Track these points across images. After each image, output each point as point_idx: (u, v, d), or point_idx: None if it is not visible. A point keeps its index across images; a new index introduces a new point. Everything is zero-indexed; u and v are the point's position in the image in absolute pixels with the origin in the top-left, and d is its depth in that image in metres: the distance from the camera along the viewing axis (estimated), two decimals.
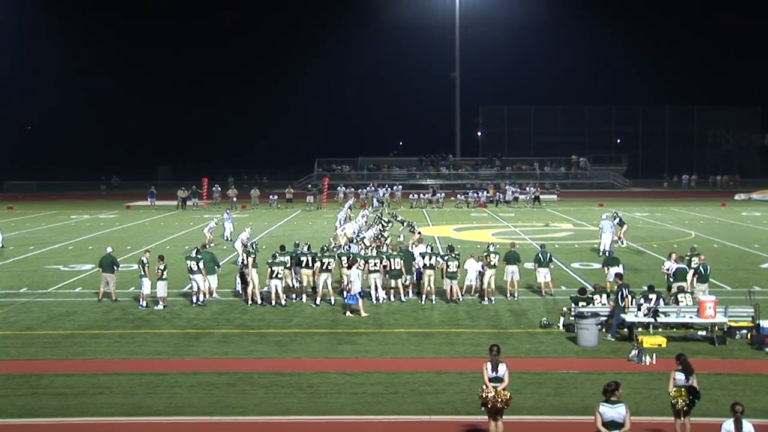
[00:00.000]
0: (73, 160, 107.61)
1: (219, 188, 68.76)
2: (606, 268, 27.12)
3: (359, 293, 24.02)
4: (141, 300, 25.36)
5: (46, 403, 16.39)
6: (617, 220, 39.33)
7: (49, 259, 35.82)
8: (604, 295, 23.02)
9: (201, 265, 25.49)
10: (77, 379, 17.92)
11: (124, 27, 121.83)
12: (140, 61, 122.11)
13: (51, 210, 62.56)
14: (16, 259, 36.20)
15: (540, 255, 27.02)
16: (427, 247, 27.86)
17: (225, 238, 41.29)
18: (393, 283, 26.08)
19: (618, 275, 23.70)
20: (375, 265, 25.70)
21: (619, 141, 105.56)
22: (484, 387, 14.26)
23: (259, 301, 25.35)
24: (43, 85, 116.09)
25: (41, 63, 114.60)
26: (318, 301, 25.32)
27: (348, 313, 23.85)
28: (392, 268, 25.93)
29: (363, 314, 23.74)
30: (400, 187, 72.22)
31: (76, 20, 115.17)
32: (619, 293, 21.70)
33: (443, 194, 69.23)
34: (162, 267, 25.20)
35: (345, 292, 24.55)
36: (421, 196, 67.62)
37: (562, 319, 22.28)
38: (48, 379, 17.89)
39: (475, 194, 68.79)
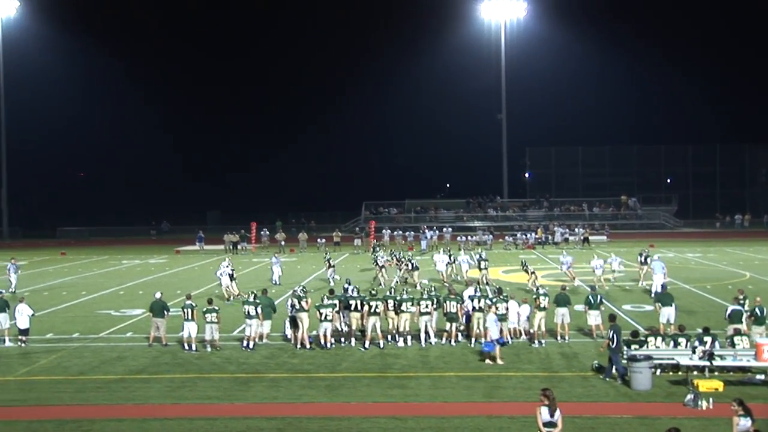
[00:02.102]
0: (124, 206, 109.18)
1: (267, 232, 69.17)
2: (657, 305, 26.79)
3: (497, 340, 23.56)
4: (185, 344, 25.46)
5: None
6: (642, 257, 39.75)
7: (101, 305, 36.18)
8: (659, 338, 22.63)
9: (259, 309, 25.59)
10: (128, 424, 17.97)
11: (175, 75, 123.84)
12: (190, 109, 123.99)
13: (102, 255, 63.35)
14: (68, 304, 36.63)
15: (591, 297, 26.70)
16: (476, 290, 27.68)
17: (273, 282, 41.59)
18: (448, 326, 25.91)
19: (611, 316, 23.26)
20: (426, 307, 25.60)
21: (669, 181, 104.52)
22: None
23: (308, 345, 25.32)
24: (96, 133, 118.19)
25: (95, 111, 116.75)
26: (367, 345, 25.23)
27: (488, 360, 23.11)
28: (448, 311, 25.79)
29: (499, 362, 23.03)
30: (450, 229, 72.10)
31: (128, 69, 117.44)
32: (612, 335, 21.36)
33: (491, 236, 68.94)
34: (205, 310, 25.34)
35: (483, 339, 23.92)
36: (469, 238, 67.37)
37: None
38: (100, 424, 17.97)
39: (524, 236, 68.41)
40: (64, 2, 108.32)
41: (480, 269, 40.23)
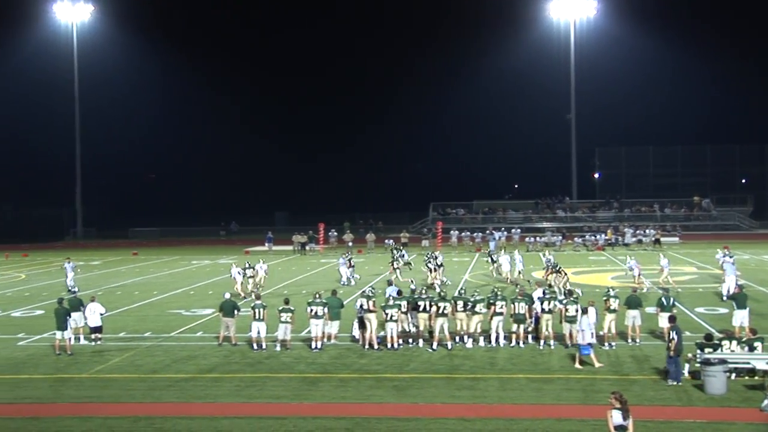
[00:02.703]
0: (193, 206, 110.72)
1: (335, 233, 69.52)
2: (733, 303, 26.27)
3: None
4: (254, 344, 25.69)
5: None
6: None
7: (172, 304, 36.73)
8: (734, 342, 22.14)
9: (326, 310, 25.73)
10: (199, 422, 18.19)
11: (243, 78, 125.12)
12: (260, 111, 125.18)
13: (173, 256, 64.30)
14: (140, 303, 37.26)
15: (663, 299, 26.23)
16: (544, 291, 27.41)
17: (342, 283, 41.85)
18: (515, 327, 25.74)
19: (670, 318, 22.78)
20: (501, 308, 25.50)
21: (744, 181, 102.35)
22: None
23: (376, 346, 25.37)
24: (165, 135, 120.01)
25: (164, 114, 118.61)
26: (435, 346, 25.18)
27: (577, 365, 22.77)
28: (516, 312, 25.63)
29: (597, 365, 22.67)
30: (519, 230, 71.63)
31: (198, 73, 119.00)
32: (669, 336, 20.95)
33: (561, 237, 68.32)
34: (280, 309, 25.56)
35: (579, 341, 23.34)
36: (538, 239, 66.86)
37: (687, 365, 21.52)
38: (172, 421, 18.22)
39: (593, 237, 67.63)
40: (137, 7, 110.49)
41: (555, 272, 39.23)
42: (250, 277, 39.38)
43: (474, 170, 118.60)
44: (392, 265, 42.80)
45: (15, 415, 18.87)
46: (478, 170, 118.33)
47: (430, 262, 41.16)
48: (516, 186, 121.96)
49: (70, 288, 40.59)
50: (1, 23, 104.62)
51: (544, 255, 43.54)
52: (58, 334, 25.42)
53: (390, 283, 30.14)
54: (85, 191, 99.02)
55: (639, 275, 38.94)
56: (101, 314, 27.20)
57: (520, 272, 42.19)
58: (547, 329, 25.48)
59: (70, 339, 25.62)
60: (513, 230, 70.80)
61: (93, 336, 26.96)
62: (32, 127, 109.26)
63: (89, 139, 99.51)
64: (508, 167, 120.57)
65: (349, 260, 44.12)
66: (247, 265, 40.12)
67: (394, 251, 46.05)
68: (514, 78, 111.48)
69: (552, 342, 25.43)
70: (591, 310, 25.58)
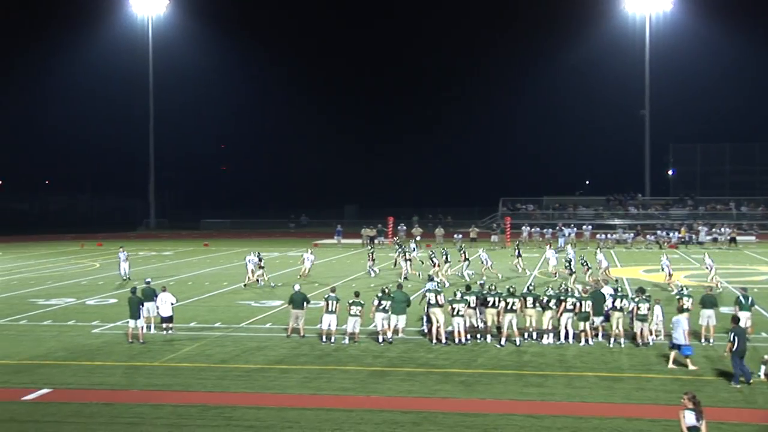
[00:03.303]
0: (264, 199, 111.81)
1: (404, 227, 69.53)
2: None
3: (674, 343, 22.62)
4: (324, 336, 25.81)
5: None
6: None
7: (242, 295, 37.11)
8: None
9: (390, 303, 25.74)
10: (267, 412, 18.33)
11: (316, 72, 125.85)
12: (328, 105, 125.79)
13: (243, 247, 64.90)
14: (211, 294, 37.73)
15: (742, 298, 25.63)
16: (616, 289, 27.01)
17: (403, 277, 41.95)
18: (582, 325, 25.45)
19: (733, 318, 22.14)
20: (571, 305, 25.24)
21: None
22: None
23: (444, 341, 25.31)
24: (238, 127, 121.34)
25: (237, 106, 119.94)
26: (503, 342, 25.03)
27: (671, 364, 22.28)
28: (582, 310, 25.34)
29: (691, 367, 22.14)
30: (590, 227, 70.77)
31: (271, 66, 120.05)
32: (733, 338, 20.34)
33: (632, 235, 67.35)
34: (350, 302, 25.66)
35: (676, 340, 22.90)
36: (609, 236, 66.03)
37: (763, 367, 21.00)
38: (240, 411, 18.39)
39: (666, 235, 66.52)
40: (212, 0, 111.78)
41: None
42: (261, 267, 40.68)
43: (545, 166, 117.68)
44: (398, 257, 44.16)
45: (90, 400, 19.25)
46: (549, 166, 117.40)
47: (434, 256, 41.46)
48: (587, 182, 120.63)
49: (123, 276, 41.82)
50: (79, 17, 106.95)
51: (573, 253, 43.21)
52: (131, 323, 25.88)
53: (431, 278, 30.12)
54: (158, 183, 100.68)
55: (713, 274, 38.24)
56: (172, 304, 27.58)
57: (554, 266, 42.41)
58: (617, 327, 25.14)
59: (142, 328, 26.07)
60: (584, 227, 70.00)
61: (164, 325, 27.35)
62: (108, 120, 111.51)
63: (163, 131, 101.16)
64: (579, 163, 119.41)
65: (371, 254, 44.58)
66: (260, 256, 41.67)
67: (399, 246, 47.71)
68: (588, 73, 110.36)
69: (623, 340, 25.07)
70: (657, 309, 25.21)
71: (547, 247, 43.35)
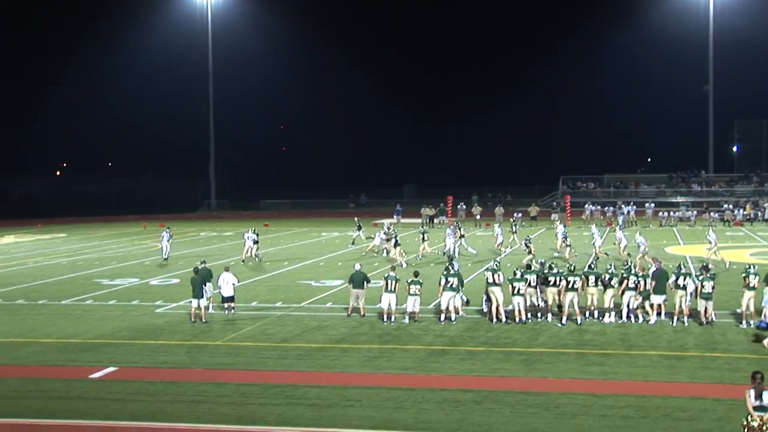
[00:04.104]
0: (324, 179, 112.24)
1: (464, 206, 69.26)
2: None
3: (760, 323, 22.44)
4: (384, 316, 25.85)
5: (301, 413, 16.90)
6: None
7: (302, 275, 37.34)
8: None
9: (455, 281, 25.67)
10: (329, 391, 18.42)
11: (375, 52, 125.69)
12: (388, 85, 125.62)
13: (303, 227, 65.39)
14: (271, 274, 38.04)
15: None
16: (679, 267, 26.59)
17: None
18: (645, 304, 25.12)
19: None
20: (633, 283, 24.95)
21: None
22: (749, 416, 13.38)
23: (504, 319, 25.20)
24: (297, 108, 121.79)
25: (297, 87, 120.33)
26: (564, 321, 24.84)
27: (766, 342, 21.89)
28: (644, 288, 25.02)
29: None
30: (652, 205, 69.72)
31: (330, 46, 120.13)
32: None
33: (695, 212, 66.27)
34: (410, 281, 25.65)
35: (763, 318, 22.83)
36: (671, 214, 65.06)
37: None
38: (302, 390, 18.51)
39: (731, 212, 65.30)
40: None
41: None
42: (255, 242, 42.35)
43: (606, 143, 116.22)
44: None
45: (154, 378, 19.55)
46: (610, 143, 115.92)
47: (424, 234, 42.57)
48: (649, 159, 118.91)
49: (164, 256, 43.00)
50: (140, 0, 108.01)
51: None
52: (194, 303, 26.18)
53: (451, 259, 29.91)
54: (218, 164, 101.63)
55: None
56: (234, 284, 27.77)
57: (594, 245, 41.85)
58: (681, 305, 24.78)
59: (205, 307, 26.36)
60: (646, 205, 69.05)
61: (226, 305, 27.58)
62: (169, 102, 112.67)
63: (223, 112, 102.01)
64: (641, 140, 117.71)
65: (395, 240, 44.10)
66: (257, 232, 43.33)
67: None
68: (650, 49, 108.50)
69: (686, 319, 24.72)
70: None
71: (617, 228, 42.71)
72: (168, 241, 43.99)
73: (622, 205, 66.82)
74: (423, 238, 43.42)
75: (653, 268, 26.08)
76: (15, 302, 31.03)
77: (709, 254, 37.73)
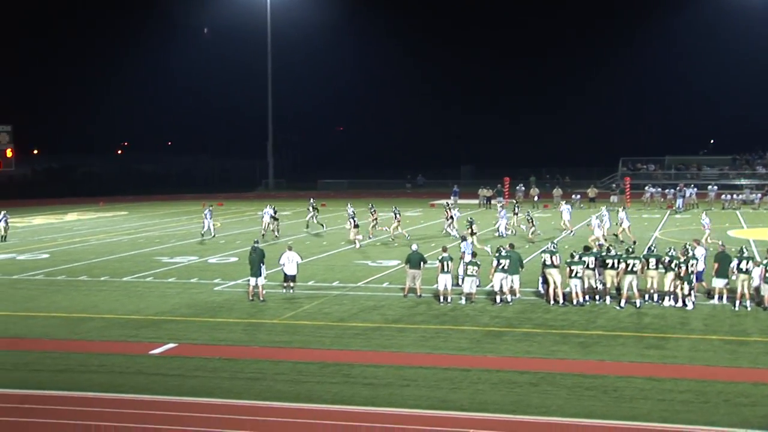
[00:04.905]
0: (381, 159, 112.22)
1: (523, 187, 68.72)
2: None
3: None
4: (441, 297, 25.81)
5: (358, 392, 16.95)
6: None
7: (359, 255, 37.43)
8: None
9: (507, 263, 25.54)
10: (385, 370, 18.45)
11: (433, 30, 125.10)
12: (446, 65, 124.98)
13: (360, 207, 65.31)
14: (329, 253, 38.18)
15: None
16: (741, 251, 26.11)
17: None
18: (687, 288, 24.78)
19: None
20: (692, 266, 24.65)
21: None
22: None
23: (561, 301, 25.02)
24: (354, 87, 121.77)
25: (353, 66, 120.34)
26: (623, 304, 24.57)
27: None
28: (687, 273, 24.67)
29: None
30: (716, 187, 68.45)
31: (388, 25, 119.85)
32: None
33: (759, 195, 65.00)
34: (469, 262, 25.58)
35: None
36: (735, 196, 63.89)
37: None
38: (358, 368, 18.58)
39: None
40: None
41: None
42: (275, 219, 43.74)
43: (667, 125, 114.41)
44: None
45: (213, 355, 19.78)
46: (671, 125, 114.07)
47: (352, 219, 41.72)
48: (712, 141, 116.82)
49: (210, 234, 44.28)
50: None
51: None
52: (252, 281, 26.40)
53: (464, 239, 29.68)
54: (276, 143, 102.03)
55: None
56: (297, 263, 27.82)
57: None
58: (744, 289, 24.37)
59: (263, 286, 26.54)
60: (708, 187, 67.87)
61: (286, 284, 27.67)
62: (227, 82, 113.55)
63: (281, 92, 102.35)
64: (704, 121, 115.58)
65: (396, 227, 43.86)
66: (275, 209, 44.96)
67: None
68: (714, 29, 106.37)
69: (748, 303, 24.31)
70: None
71: (703, 214, 42.18)
72: (210, 218, 45.16)
73: (684, 188, 65.75)
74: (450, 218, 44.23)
75: (700, 252, 25.76)
76: (78, 278, 31.62)
77: (704, 239, 36.86)
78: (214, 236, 44.60)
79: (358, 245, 39.72)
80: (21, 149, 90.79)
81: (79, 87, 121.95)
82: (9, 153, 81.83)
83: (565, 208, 45.20)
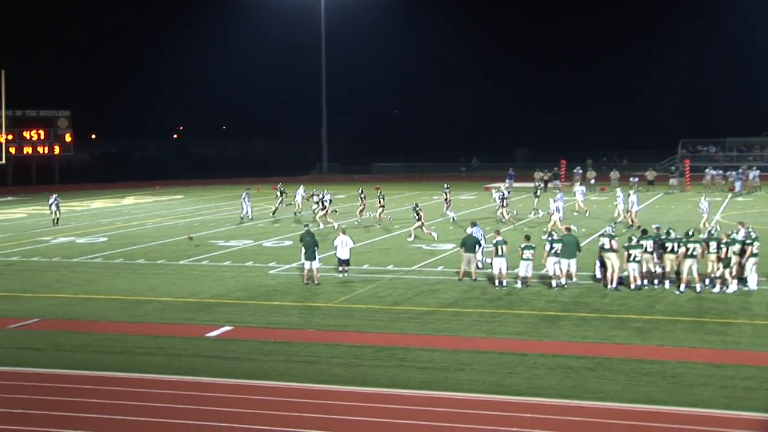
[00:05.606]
0: (435, 142, 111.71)
1: (580, 170, 67.97)
2: None
3: None
4: (496, 280, 25.59)
5: (413, 375, 16.87)
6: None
7: (415, 239, 37.26)
8: None
9: (561, 247, 25.26)
10: (440, 354, 18.36)
11: (487, 12, 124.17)
12: (500, 48, 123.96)
13: (414, 191, 65.38)
14: (383, 237, 38.15)
15: None
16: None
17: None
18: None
19: None
20: (757, 249, 24.21)
21: None
22: None
23: (618, 286, 24.66)
24: (409, 70, 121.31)
25: (409, 50, 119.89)
26: (682, 288, 24.14)
27: None
28: (725, 256, 24.13)
29: None
30: None
31: (443, 10, 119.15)
32: None
33: None
34: (523, 247, 25.35)
35: None
36: None
37: None
38: (414, 352, 18.50)
39: None
40: None
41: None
42: (316, 203, 42.76)
43: (728, 106, 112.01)
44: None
45: (268, 338, 19.86)
46: (733, 106, 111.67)
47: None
48: None
49: (248, 216, 45.40)
50: None
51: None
52: (307, 264, 26.44)
53: (474, 224, 29.20)
54: (330, 127, 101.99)
55: None
56: (351, 247, 27.80)
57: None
58: None
59: (317, 269, 26.57)
60: None
61: (340, 268, 27.70)
62: (281, 65, 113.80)
63: (335, 75, 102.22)
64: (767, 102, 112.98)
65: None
66: (314, 192, 44.51)
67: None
68: None
69: None
70: None
71: (631, 191, 41.58)
72: (249, 201, 46.05)
73: (747, 170, 64.39)
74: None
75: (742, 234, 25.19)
76: (135, 262, 31.98)
77: (702, 224, 36.06)
78: (251, 218, 45.47)
79: (321, 226, 40.12)
80: (79, 134, 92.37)
81: (135, 72, 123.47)
82: (68, 138, 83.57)
83: (578, 189, 46.04)
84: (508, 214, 42.29)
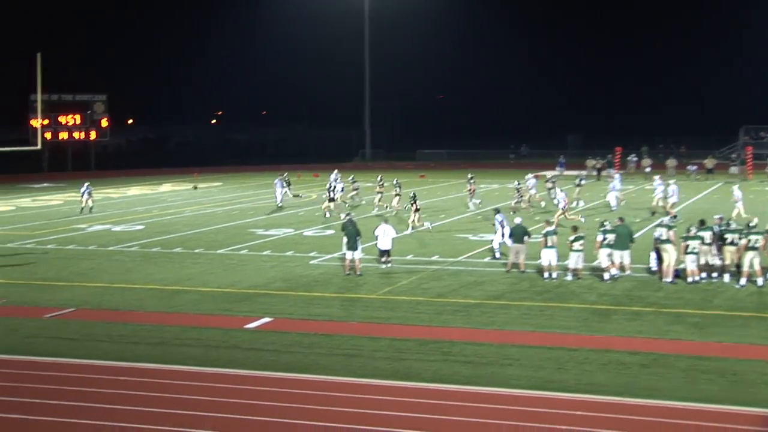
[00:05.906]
0: (483, 129, 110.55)
1: (635, 158, 66.46)
2: None
3: None
4: (545, 272, 24.84)
5: (458, 370, 16.35)
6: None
7: (459, 228, 36.63)
8: None
9: (613, 237, 24.40)
10: (486, 348, 17.79)
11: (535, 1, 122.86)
12: (551, 33, 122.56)
13: (460, 179, 64.35)
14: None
15: None
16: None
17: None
18: None
19: None
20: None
21: None
22: None
23: (674, 279, 23.74)
24: (456, 55, 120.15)
25: (456, 34, 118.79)
26: (743, 282, 23.16)
27: None
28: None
29: None
30: None
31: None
32: None
33: None
34: (573, 238, 24.54)
35: None
36: None
37: None
38: (459, 346, 17.94)
39: None
40: None
41: None
42: (355, 190, 43.86)
43: None
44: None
45: (309, 330, 19.34)
46: None
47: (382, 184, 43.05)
48: None
49: (278, 204, 44.95)
50: None
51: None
52: (348, 255, 25.86)
53: (497, 211, 28.61)
54: (374, 113, 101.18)
55: None
56: (392, 237, 27.20)
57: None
58: None
59: (359, 260, 25.95)
60: None
61: (383, 258, 27.10)
62: (323, 50, 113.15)
63: (379, 60, 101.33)
64: None
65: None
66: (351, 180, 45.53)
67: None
68: None
69: None
70: None
71: (655, 178, 40.32)
72: (282, 188, 45.52)
73: None
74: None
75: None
76: (173, 251, 31.62)
77: (734, 215, 34.67)
78: (281, 206, 44.96)
79: (328, 215, 39.89)
80: (116, 119, 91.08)
81: (173, 56, 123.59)
82: (104, 123, 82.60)
83: (616, 176, 45.96)
84: (526, 203, 41.94)
